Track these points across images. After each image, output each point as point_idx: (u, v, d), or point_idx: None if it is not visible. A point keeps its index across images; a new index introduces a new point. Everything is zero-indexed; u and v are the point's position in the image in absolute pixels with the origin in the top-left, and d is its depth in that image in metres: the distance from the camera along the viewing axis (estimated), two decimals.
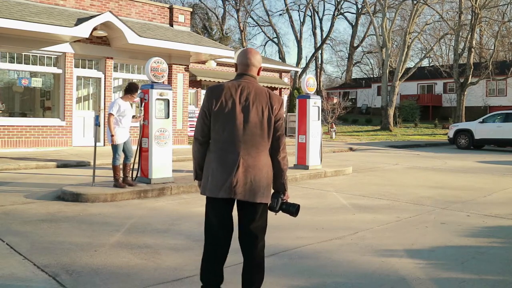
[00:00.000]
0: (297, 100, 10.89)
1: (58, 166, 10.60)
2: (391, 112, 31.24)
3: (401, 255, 4.49)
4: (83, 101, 15.01)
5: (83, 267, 4.00)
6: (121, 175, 7.64)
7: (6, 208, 6.27)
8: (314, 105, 10.62)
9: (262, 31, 52.18)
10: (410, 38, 31.33)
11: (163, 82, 8.17)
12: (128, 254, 4.41)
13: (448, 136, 21.35)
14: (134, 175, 7.93)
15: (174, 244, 4.76)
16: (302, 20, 50.04)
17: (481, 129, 19.57)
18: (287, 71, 27.41)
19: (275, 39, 51.28)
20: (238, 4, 45.94)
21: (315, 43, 50.68)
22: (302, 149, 10.54)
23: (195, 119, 14.30)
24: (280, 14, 75.07)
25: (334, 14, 49.86)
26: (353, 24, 52.05)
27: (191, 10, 19.99)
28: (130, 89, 7.59)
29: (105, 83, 14.85)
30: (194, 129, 3.23)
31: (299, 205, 3.07)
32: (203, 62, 19.26)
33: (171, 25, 16.83)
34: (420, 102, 40.90)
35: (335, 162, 12.83)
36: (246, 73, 3.08)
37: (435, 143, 22.85)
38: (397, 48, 37.75)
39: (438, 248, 4.78)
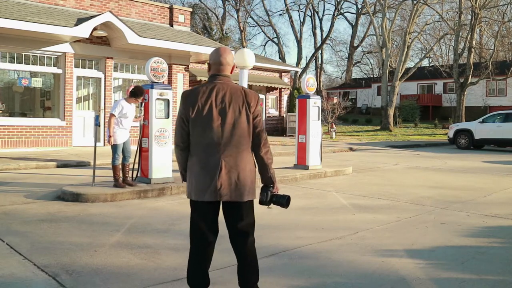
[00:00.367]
0: (297, 100, 10.89)
1: (58, 166, 10.60)
2: (391, 112, 31.24)
3: (401, 255, 4.49)
4: (83, 101, 15.01)
5: (83, 267, 4.00)
6: (121, 175, 7.65)
7: (6, 208, 6.27)
8: (314, 105, 10.62)
9: (262, 31, 52.23)
10: (410, 38, 31.33)
11: (163, 82, 8.17)
12: (128, 254, 4.41)
13: (448, 136, 21.36)
14: (134, 175, 7.94)
15: (174, 244, 4.76)
16: (302, 20, 50.08)
17: (481, 129, 19.57)
18: (287, 71, 27.41)
19: (275, 39, 51.33)
20: (238, 4, 45.94)
21: (315, 43, 50.71)
22: (302, 149, 10.54)
23: None
24: (280, 14, 75.03)
25: (334, 14, 49.87)
26: (353, 24, 52.07)
27: (191, 10, 19.99)
28: (135, 93, 7.52)
29: (105, 83, 14.86)
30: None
31: (289, 196, 3.08)
32: (203, 62, 19.28)
33: (171, 25, 16.83)
34: (420, 102, 40.90)
35: (335, 162, 12.83)
36: (219, 73, 3.09)
37: (435, 143, 22.86)
38: (397, 48, 37.75)
39: (438, 248, 4.78)
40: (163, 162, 7.92)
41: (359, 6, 48.89)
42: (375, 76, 54.06)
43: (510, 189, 8.86)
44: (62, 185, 7.62)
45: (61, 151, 13.22)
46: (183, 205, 6.81)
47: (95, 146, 8.15)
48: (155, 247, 4.64)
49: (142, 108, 7.87)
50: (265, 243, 4.84)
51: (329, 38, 51.24)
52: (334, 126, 24.45)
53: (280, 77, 26.25)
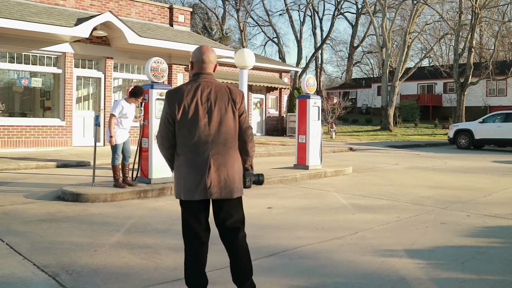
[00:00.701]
0: (297, 100, 10.89)
1: (58, 166, 10.60)
2: (391, 112, 31.24)
3: (401, 255, 4.49)
4: (83, 101, 15.01)
5: (83, 267, 3.99)
6: (121, 175, 7.65)
7: (6, 208, 6.26)
8: (314, 105, 10.62)
9: (262, 31, 52.21)
10: (410, 38, 31.32)
11: (163, 82, 8.17)
12: (128, 254, 4.41)
13: (448, 136, 21.35)
14: (134, 175, 7.94)
15: (174, 244, 4.76)
16: (302, 20, 50.06)
17: (481, 129, 19.57)
18: (287, 71, 27.40)
19: (275, 39, 51.31)
20: (238, 4, 45.93)
21: (315, 43, 50.70)
22: (302, 149, 10.53)
23: None
24: (280, 14, 74.98)
25: (334, 14, 49.86)
26: (353, 24, 52.06)
27: (191, 10, 19.99)
28: (135, 93, 7.53)
29: (105, 83, 14.86)
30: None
31: (263, 174, 3.29)
32: None
33: (171, 25, 16.83)
34: (420, 102, 40.90)
35: (335, 162, 12.83)
36: (203, 71, 3.09)
37: (435, 143, 22.86)
38: (397, 48, 37.74)
39: (438, 248, 4.78)
40: (163, 162, 7.88)
41: (359, 6, 48.92)
42: (375, 76, 54.05)
43: (510, 189, 8.86)
44: (62, 185, 7.62)
45: (61, 151, 13.22)
46: None
47: (95, 146, 8.15)
48: (155, 247, 4.64)
49: (142, 108, 7.87)
50: (265, 243, 4.84)
51: (329, 38, 51.28)
52: (334, 126, 24.45)
53: (280, 77, 26.25)
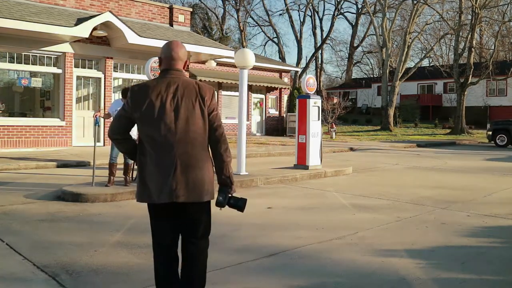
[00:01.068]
0: (297, 100, 10.88)
1: (58, 166, 10.60)
2: (391, 112, 31.24)
3: (402, 255, 4.49)
4: (83, 101, 15.01)
5: (83, 267, 3.99)
6: (118, 174, 7.71)
7: (6, 208, 6.26)
8: (314, 105, 10.61)
9: (262, 31, 52.20)
10: (410, 38, 31.32)
11: None
12: (128, 254, 4.41)
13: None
14: (134, 175, 7.94)
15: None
16: (302, 20, 50.06)
17: None
18: (287, 71, 27.41)
19: (275, 39, 51.32)
20: (238, 4, 45.93)
21: (315, 43, 50.70)
22: (302, 149, 10.53)
23: None
24: (280, 14, 75.06)
25: (334, 14, 49.88)
26: (353, 24, 52.07)
27: (191, 10, 19.99)
28: (125, 93, 7.66)
29: (105, 83, 14.86)
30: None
31: (246, 199, 2.93)
32: (203, 62, 19.27)
33: (171, 25, 16.83)
34: (420, 102, 40.90)
35: (335, 162, 12.83)
36: (171, 68, 2.91)
37: (436, 143, 22.85)
38: (397, 48, 37.75)
39: (439, 248, 4.78)
40: None
41: (359, 6, 48.94)
42: (375, 76, 54.06)
43: (510, 189, 8.85)
44: (62, 185, 7.62)
45: (61, 151, 13.22)
46: None
47: (95, 146, 8.16)
48: None
49: None
50: (265, 243, 4.84)
51: (329, 38, 51.30)
52: (334, 126, 24.45)
53: (280, 77, 26.24)
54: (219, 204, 2.88)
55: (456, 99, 31.26)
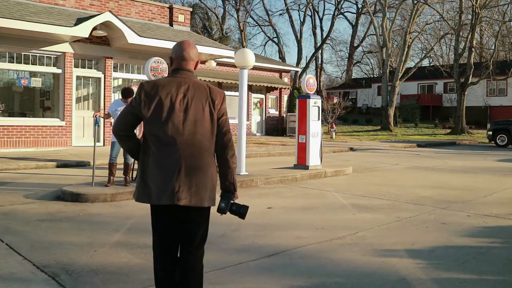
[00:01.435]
0: (297, 100, 10.88)
1: (58, 166, 10.60)
2: (391, 112, 31.24)
3: (402, 255, 4.48)
4: (83, 101, 15.01)
5: (83, 267, 3.99)
6: (118, 174, 7.71)
7: (6, 208, 6.26)
8: (314, 105, 10.61)
9: (262, 31, 52.17)
10: (410, 38, 31.32)
11: None
12: (128, 254, 4.40)
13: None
14: (134, 175, 7.93)
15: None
16: (302, 20, 50.03)
17: None
18: (287, 71, 27.40)
19: (275, 39, 51.29)
20: (238, 4, 45.92)
21: (315, 43, 50.68)
22: (302, 149, 10.52)
23: None
24: (280, 14, 75.13)
25: (334, 14, 49.84)
26: (353, 24, 52.06)
27: (191, 10, 20.00)
28: (124, 93, 7.64)
29: (104, 83, 14.86)
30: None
31: (248, 207, 2.87)
32: (203, 62, 19.25)
33: (171, 25, 16.82)
34: (420, 102, 40.91)
35: (335, 162, 12.83)
36: (182, 68, 2.82)
37: (436, 143, 22.85)
38: (397, 48, 37.76)
39: (439, 248, 4.77)
40: None
41: (359, 6, 48.92)
42: (375, 76, 54.07)
43: (511, 189, 8.85)
44: (62, 185, 7.62)
45: (60, 151, 13.22)
46: None
47: (95, 146, 8.15)
48: None
49: None
50: (265, 243, 4.83)
51: (329, 38, 51.25)
52: (334, 126, 24.45)
53: (280, 77, 26.24)
54: (221, 211, 2.83)
55: (456, 99, 31.27)
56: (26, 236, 4.95)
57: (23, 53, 13.38)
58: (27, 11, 12.84)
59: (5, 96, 14.13)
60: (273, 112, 26.37)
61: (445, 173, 11.29)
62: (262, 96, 25.57)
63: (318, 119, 10.71)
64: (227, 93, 23.60)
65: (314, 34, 51.21)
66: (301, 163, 10.49)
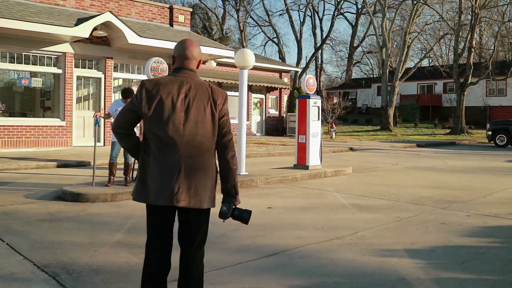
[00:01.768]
0: (297, 100, 10.89)
1: (58, 166, 10.60)
2: (391, 112, 31.25)
3: (401, 255, 4.49)
4: (83, 101, 15.01)
5: (83, 267, 3.99)
6: (118, 174, 7.71)
7: (6, 208, 6.27)
8: (314, 105, 10.62)
9: (262, 31, 52.21)
10: (410, 38, 31.33)
11: None
12: (128, 254, 4.41)
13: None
14: (135, 175, 7.94)
15: (174, 243, 4.75)
16: (302, 20, 50.07)
17: None
18: (287, 71, 27.41)
19: (275, 39, 51.30)
20: (238, 4, 45.92)
21: (315, 43, 50.70)
22: (302, 149, 10.53)
23: None
24: (280, 14, 75.15)
25: (334, 14, 49.87)
26: (353, 24, 52.07)
27: (191, 10, 20.00)
28: (124, 94, 7.66)
29: (105, 83, 14.86)
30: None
31: (251, 211, 2.79)
32: (203, 62, 19.26)
33: (171, 25, 16.83)
34: (420, 102, 40.93)
35: (335, 162, 12.83)
36: (184, 67, 2.77)
37: (435, 143, 22.86)
38: (397, 48, 37.76)
39: (438, 248, 4.78)
40: None
41: (359, 6, 48.94)
42: (375, 76, 54.09)
43: (510, 189, 8.86)
44: (62, 185, 7.63)
45: (61, 151, 13.22)
46: None
47: (95, 146, 8.16)
48: None
49: None
50: (265, 243, 4.84)
51: (329, 38, 51.28)
52: (334, 126, 24.46)
53: (280, 77, 26.25)
54: (223, 215, 2.75)
55: (456, 99, 31.28)
56: (27, 236, 4.95)
57: (23, 53, 13.39)
58: (27, 11, 12.84)
59: (6, 96, 14.14)
60: (273, 112, 26.38)
61: (445, 173, 11.30)
62: (262, 96, 25.58)
63: (318, 119, 10.72)
64: (227, 93, 23.64)
65: (314, 34, 51.27)
66: (301, 163, 10.50)
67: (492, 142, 21.08)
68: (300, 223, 5.78)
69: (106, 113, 8.16)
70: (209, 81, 21.32)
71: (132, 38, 13.85)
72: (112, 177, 7.61)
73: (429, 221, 6.00)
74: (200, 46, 11.76)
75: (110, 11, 13.82)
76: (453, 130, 29.69)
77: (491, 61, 29.30)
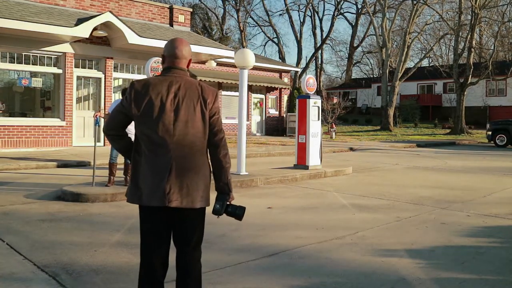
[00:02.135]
0: (297, 100, 10.89)
1: (58, 166, 10.61)
2: (391, 112, 31.26)
3: (401, 255, 4.49)
4: (83, 101, 15.01)
5: (83, 267, 3.99)
6: (118, 174, 7.71)
7: (6, 208, 6.27)
8: (314, 105, 10.62)
9: (262, 31, 52.24)
10: (410, 38, 31.33)
11: None
12: (128, 254, 4.41)
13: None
14: None
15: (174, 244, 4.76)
16: (302, 20, 50.07)
17: None
18: (287, 71, 27.41)
19: (275, 39, 51.31)
20: (238, 4, 45.93)
21: (315, 43, 50.71)
22: (302, 149, 10.54)
23: None
24: (280, 14, 75.17)
25: (334, 14, 49.87)
26: (353, 24, 52.08)
27: (191, 10, 20.01)
28: (124, 94, 7.67)
29: (105, 83, 14.87)
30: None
31: (245, 208, 2.79)
32: (203, 62, 19.27)
33: (171, 25, 16.83)
34: (420, 102, 40.94)
35: (335, 162, 12.83)
36: (174, 66, 2.75)
37: (435, 143, 22.87)
38: (397, 48, 37.77)
39: (438, 248, 4.78)
40: None
41: (359, 6, 48.95)
42: (375, 76, 54.09)
43: (510, 189, 8.86)
44: (62, 185, 7.63)
45: (61, 151, 13.23)
46: None
47: (95, 146, 8.16)
48: None
49: None
50: (265, 243, 4.84)
51: (329, 38, 51.29)
52: (334, 126, 24.46)
53: (280, 77, 26.25)
54: (216, 212, 2.76)
55: (455, 99, 31.29)
56: (27, 236, 4.95)
57: (23, 53, 13.39)
58: (27, 11, 12.84)
59: (6, 96, 14.14)
60: (273, 112, 26.39)
61: (445, 173, 11.30)
62: (262, 96, 25.58)
63: (318, 119, 10.72)
64: (227, 93, 23.64)
65: (314, 34, 51.28)
66: (301, 163, 10.50)
67: (492, 142, 21.09)
68: (300, 223, 5.78)
69: (106, 113, 8.18)
70: (209, 81, 21.32)
71: (132, 38, 13.85)
72: (112, 177, 7.61)
73: (429, 221, 6.00)
74: (200, 46, 11.84)
75: (110, 11, 13.82)
76: (453, 130, 29.70)
77: (491, 61, 29.30)
